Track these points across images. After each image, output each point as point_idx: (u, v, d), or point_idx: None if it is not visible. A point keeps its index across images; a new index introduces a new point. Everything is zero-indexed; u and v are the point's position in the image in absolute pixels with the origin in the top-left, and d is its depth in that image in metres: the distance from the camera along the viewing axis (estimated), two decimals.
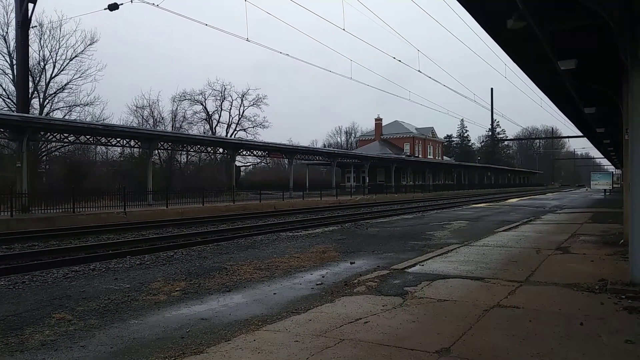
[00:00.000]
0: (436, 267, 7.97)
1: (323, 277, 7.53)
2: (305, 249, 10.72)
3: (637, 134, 6.31)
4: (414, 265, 8.12)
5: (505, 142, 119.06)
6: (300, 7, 18.59)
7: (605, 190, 42.56)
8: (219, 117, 60.78)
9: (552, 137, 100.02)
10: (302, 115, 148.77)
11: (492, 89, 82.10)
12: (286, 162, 45.25)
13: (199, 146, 35.49)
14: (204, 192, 27.13)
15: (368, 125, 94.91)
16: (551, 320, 4.77)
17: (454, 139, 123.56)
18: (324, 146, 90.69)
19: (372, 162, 53.20)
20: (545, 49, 8.33)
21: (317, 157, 47.07)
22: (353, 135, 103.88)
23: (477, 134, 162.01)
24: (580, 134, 31.01)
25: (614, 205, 24.30)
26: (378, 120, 75.98)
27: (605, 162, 67.24)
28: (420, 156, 71.94)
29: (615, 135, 18.96)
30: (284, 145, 43.64)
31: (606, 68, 9.44)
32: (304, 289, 6.68)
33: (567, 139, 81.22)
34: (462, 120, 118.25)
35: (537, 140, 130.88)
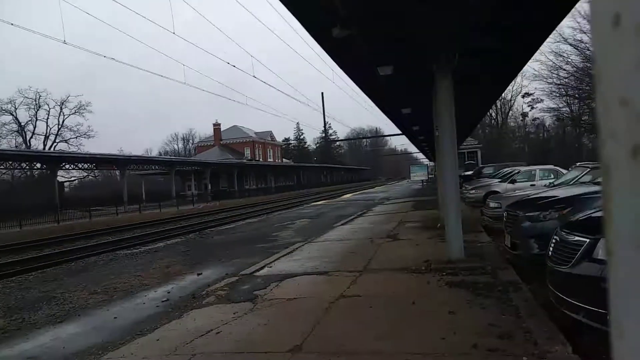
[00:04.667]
0: (283, 267, 8.15)
1: (169, 292, 7.17)
2: (146, 266, 10.07)
3: (445, 131, 7.28)
4: (262, 268, 8.19)
5: (337, 143, 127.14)
6: (126, 9, 17.37)
7: (422, 180, 48.16)
8: (34, 128, 53.90)
9: (377, 135, 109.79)
10: (134, 123, 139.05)
11: (322, 93, 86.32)
12: (118, 173, 41.95)
13: (10, 162, 30.92)
14: (21, 215, 23.71)
15: (206, 131, 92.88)
16: (388, 303, 5.23)
17: (292, 142, 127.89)
18: (160, 154, 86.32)
19: (213, 168, 52.29)
20: (366, 56, 9.09)
21: (154, 167, 44.60)
22: (191, 141, 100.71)
23: (312, 136, 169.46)
24: (400, 132, 34.55)
25: (431, 193, 27.58)
26: (216, 126, 74.93)
27: (421, 156, 75.77)
28: (261, 160, 72.97)
29: (428, 132, 21.55)
30: (115, 155, 40.43)
31: (419, 74, 10.64)
32: (148, 308, 6.28)
33: (389, 137, 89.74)
34: (297, 123, 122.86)
35: (365, 140, 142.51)
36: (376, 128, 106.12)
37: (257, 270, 8.03)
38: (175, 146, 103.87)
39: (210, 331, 4.77)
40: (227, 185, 56.51)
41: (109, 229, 23.15)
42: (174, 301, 6.52)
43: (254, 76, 23.14)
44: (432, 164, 58.29)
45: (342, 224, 14.98)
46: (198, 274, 8.60)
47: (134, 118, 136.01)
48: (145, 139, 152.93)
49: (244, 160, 63.44)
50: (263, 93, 66.87)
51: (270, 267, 8.26)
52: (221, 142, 72.80)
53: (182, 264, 10.08)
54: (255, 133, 78.09)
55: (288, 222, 18.55)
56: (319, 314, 5.03)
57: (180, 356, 4.10)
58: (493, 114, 61.40)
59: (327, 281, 6.74)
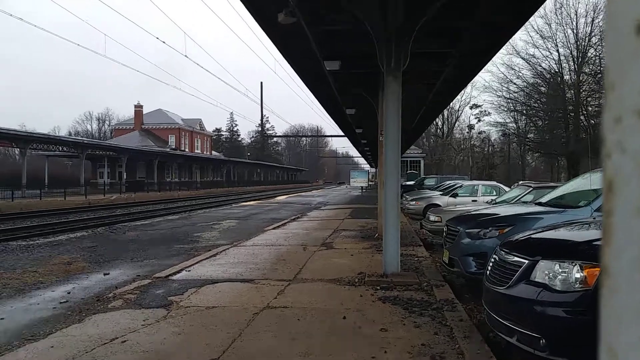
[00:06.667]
0: (204, 271, 7.98)
1: (69, 293, 6.81)
2: (44, 261, 9.52)
3: (390, 137, 7.44)
4: (179, 271, 7.98)
5: (275, 139, 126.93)
6: None
7: (362, 187, 49.12)
8: None
9: (318, 135, 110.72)
10: (42, 98, 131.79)
11: (261, 82, 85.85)
12: (17, 152, 39.40)
13: None
14: None
15: (126, 113, 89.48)
16: (317, 317, 5.26)
17: (224, 133, 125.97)
18: (70, 134, 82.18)
19: (131, 155, 50.36)
20: (313, 47, 9.15)
21: (61, 148, 42.26)
22: (107, 122, 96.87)
23: (247, 129, 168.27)
24: (342, 133, 35.04)
25: (370, 201, 28.18)
26: (138, 108, 72.12)
27: (362, 160, 77.38)
28: (187, 150, 71.15)
29: (372, 136, 22.00)
30: (14, 131, 37.84)
31: (366, 73, 10.86)
32: (43, 309, 5.93)
33: (330, 138, 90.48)
34: (231, 113, 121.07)
35: (304, 138, 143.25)
36: (317, 127, 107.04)
37: (174, 273, 7.81)
38: (89, 126, 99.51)
39: (115, 339, 4.57)
40: (146, 176, 54.66)
41: (0, 216, 21.68)
42: (74, 303, 6.20)
43: (185, 55, 22.60)
44: (373, 170, 59.66)
45: (273, 228, 14.93)
46: (105, 274, 8.24)
47: (44, 92, 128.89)
48: (55, 115, 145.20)
49: (167, 149, 61.55)
50: (194, 77, 65.07)
51: (189, 270, 8.06)
52: (142, 127, 70.25)
53: (87, 260, 9.62)
54: (183, 120, 75.96)
55: (213, 221, 18.23)
56: (241, 325, 4.96)
57: None
58: (439, 123, 63.79)
59: (252, 289, 6.67)
